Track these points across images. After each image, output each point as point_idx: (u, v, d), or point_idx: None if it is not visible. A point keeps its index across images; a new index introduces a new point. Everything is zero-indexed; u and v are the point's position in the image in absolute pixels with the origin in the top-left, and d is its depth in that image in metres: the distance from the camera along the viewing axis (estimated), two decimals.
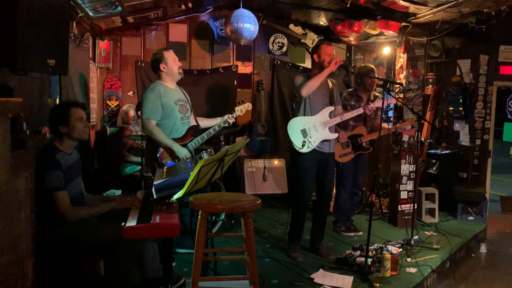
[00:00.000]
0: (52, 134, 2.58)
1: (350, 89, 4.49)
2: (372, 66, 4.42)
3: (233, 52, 5.74)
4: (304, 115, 3.63)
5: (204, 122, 3.60)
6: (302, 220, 3.74)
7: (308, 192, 3.70)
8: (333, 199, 4.52)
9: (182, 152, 3.20)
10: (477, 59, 5.17)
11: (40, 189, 2.27)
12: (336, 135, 3.74)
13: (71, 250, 2.44)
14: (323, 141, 3.64)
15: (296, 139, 3.58)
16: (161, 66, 3.32)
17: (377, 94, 4.47)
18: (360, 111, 3.81)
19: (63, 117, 2.55)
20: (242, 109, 3.69)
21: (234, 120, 3.62)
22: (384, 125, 4.30)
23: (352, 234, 4.39)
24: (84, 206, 2.59)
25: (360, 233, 4.40)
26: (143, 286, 2.84)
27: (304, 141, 3.57)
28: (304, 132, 3.59)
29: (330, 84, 3.75)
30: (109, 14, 4.12)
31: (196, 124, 3.53)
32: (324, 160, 3.67)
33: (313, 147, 3.58)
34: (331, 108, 3.68)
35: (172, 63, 3.33)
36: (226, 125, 3.57)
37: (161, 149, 3.25)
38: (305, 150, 3.57)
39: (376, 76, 5.37)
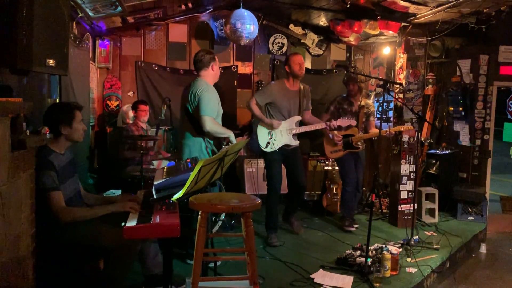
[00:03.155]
0: (50, 132, 2.57)
1: (345, 94, 4.68)
2: (355, 77, 4.63)
3: (233, 52, 5.74)
4: (274, 119, 4.01)
5: None
6: (275, 207, 4.08)
7: (276, 180, 4.05)
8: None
9: (235, 140, 3.40)
10: (477, 59, 5.17)
11: (36, 190, 2.26)
12: (297, 142, 4.10)
13: (71, 251, 2.43)
14: (285, 145, 4.03)
15: (262, 139, 4.01)
16: (213, 66, 3.50)
17: (368, 101, 4.76)
18: (323, 125, 4.12)
19: (67, 118, 2.54)
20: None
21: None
22: (376, 130, 4.59)
23: (353, 228, 4.55)
24: (80, 208, 2.57)
25: (356, 225, 4.60)
26: (145, 283, 2.85)
27: (269, 142, 4.00)
28: (270, 134, 4.01)
29: (301, 91, 4.09)
30: (109, 14, 4.12)
31: None
32: (289, 154, 4.09)
33: (275, 149, 4.00)
34: (298, 117, 4.09)
35: (217, 67, 3.56)
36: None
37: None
38: (268, 150, 4.01)
39: (364, 80, 5.77)
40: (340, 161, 4.66)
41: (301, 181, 4.17)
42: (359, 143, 4.57)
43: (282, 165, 4.25)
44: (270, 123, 3.95)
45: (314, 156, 5.44)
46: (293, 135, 4.06)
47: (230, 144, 3.39)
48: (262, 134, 4.02)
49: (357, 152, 4.59)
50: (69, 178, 2.61)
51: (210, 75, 3.50)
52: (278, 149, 4.02)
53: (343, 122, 4.13)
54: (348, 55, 6.15)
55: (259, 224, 4.28)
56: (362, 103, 4.65)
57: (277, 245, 3.97)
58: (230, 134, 3.38)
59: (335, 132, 4.43)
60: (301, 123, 4.22)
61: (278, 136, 4.01)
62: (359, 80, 4.68)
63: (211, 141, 3.46)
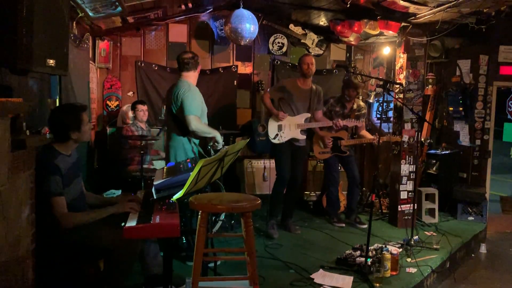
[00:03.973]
0: (57, 137, 2.54)
1: (338, 96, 4.81)
2: (356, 82, 4.76)
3: (233, 52, 5.74)
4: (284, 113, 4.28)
5: None
6: (280, 195, 4.38)
7: (285, 170, 4.29)
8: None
9: (221, 139, 3.41)
10: (477, 59, 5.17)
11: (38, 193, 2.25)
12: (304, 137, 4.37)
13: (71, 252, 2.43)
14: (293, 138, 4.28)
15: (272, 131, 4.29)
16: (199, 68, 3.51)
17: (361, 103, 4.87)
18: (329, 123, 4.43)
19: (76, 124, 2.52)
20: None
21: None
22: (367, 133, 4.80)
23: (343, 224, 4.71)
24: (80, 213, 2.55)
25: (365, 225, 4.62)
26: (145, 283, 2.85)
27: (277, 134, 4.28)
28: (279, 127, 4.30)
29: (313, 91, 4.36)
30: (109, 14, 4.12)
31: None
32: (296, 150, 4.37)
33: (282, 141, 4.27)
34: (308, 115, 4.36)
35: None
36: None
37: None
38: (275, 141, 4.29)
39: (361, 87, 5.78)
40: (325, 161, 4.82)
41: (297, 177, 4.40)
42: (347, 147, 4.70)
43: None
44: (276, 114, 4.23)
45: (314, 156, 5.44)
46: (301, 130, 4.31)
47: (216, 144, 3.39)
48: (272, 126, 4.30)
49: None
50: (74, 179, 2.61)
51: (194, 76, 3.53)
52: (284, 143, 4.28)
53: (349, 122, 4.41)
54: (348, 55, 6.15)
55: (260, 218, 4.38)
56: (354, 105, 4.75)
57: (275, 237, 4.18)
58: (216, 133, 3.39)
59: (328, 134, 4.62)
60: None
61: (286, 129, 4.29)
62: (359, 86, 4.79)
63: (197, 141, 3.44)
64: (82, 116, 2.56)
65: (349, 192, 4.81)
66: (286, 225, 4.49)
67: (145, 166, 4.52)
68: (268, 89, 4.48)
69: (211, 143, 3.43)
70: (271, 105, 4.30)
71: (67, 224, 2.41)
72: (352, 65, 6.10)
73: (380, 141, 4.45)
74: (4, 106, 1.80)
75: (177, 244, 3.50)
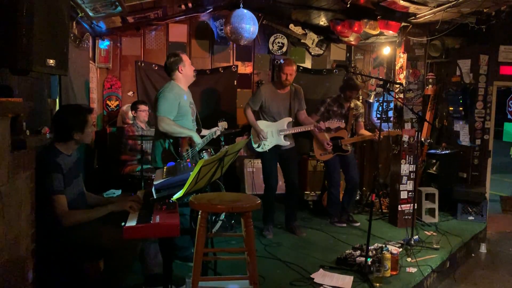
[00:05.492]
0: (59, 136, 2.54)
1: (335, 96, 4.76)
2: (358, 84, 4.69)
3: (233, 52, 5.74)
4: (266, 120, 4.26)
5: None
6: (271, 203, 4.32)
7: (272, 178, 4.26)
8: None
9: (199, 139, 3.31)
10: (477, 59, 5.17)
11: (40, 191, 2.25)
12: (288, 143, 4.27)
13: (71, 252, 2.43)
14: (277, 145, 4.23)
15: (254, 139, 4.25)
16: (180, 68, 3.41)
17: (358, 103, 4.86)
18: (311, 127, 4.26)
19: (81, 124, 2.52)
20: (224, 125, 3.80)
21: (220, 134, 3.73)
22: (366, 132, 4.81)
23: (344, 224, 4.68)
24: (81, 210, 2.56)
25: (358, 224, 4.68)
26: (145, 283, 2.85)
27: (260, 142, 4.21)
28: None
29: (292, 93, 4.25)
30: (109, 14, 4.12)
31: (198, 127, 3.59)
32: (284, 154, 4.29)
33: (265, 149, 4.21)
34: (289, 119, 4.27)
35: (188, 66, 3.47)
36: (214, 136, 3.65)
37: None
38: (259, 150, 4.25)
39: (361, 88, 5.70)
40: (326, 162, 4.78)
41: (292, 180, 4.33)
42: (348, 145, 4.68)
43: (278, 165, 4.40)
44: (258, 132, 4.18)
45: (314, 156, 5.44)
46: (284, 136, 4.25)
47: (194, 144, 3.29)
48: (255, 135, 4.25)
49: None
50: (75, 179, 2.61)
51: (180, 77, 3.44)
52: (269, 149, 4.22)
53: (331, 124, 4.21)
54: (348, 55, 6.15)
55: (259, 223, 4.33)
56: (352, 104, 4.74)
57: (270, 237, 4.19)
58: (191, 134, 3.29)
59: (326, 135, 4.59)
60: (297, 124, 4.39)
61: (269, 136, 4.23)
62: (360, 88, 4.76)
63: (171, 140, 3.36)
64: (87, 118, 2.57)
65: (346, 193, 4.77)
66: (291, 228, 4.42)
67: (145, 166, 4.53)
68: (249, 101, 4.31)
69: (188, 148, 3.30)
70: (253, 120, 4.22)
71: (68, 222, 2.41)
72: (352, 65, 6.10)
73: (381, 136, 4.46)
74: (4, 106, 1.80)
75: (177, 244, 3.49)
